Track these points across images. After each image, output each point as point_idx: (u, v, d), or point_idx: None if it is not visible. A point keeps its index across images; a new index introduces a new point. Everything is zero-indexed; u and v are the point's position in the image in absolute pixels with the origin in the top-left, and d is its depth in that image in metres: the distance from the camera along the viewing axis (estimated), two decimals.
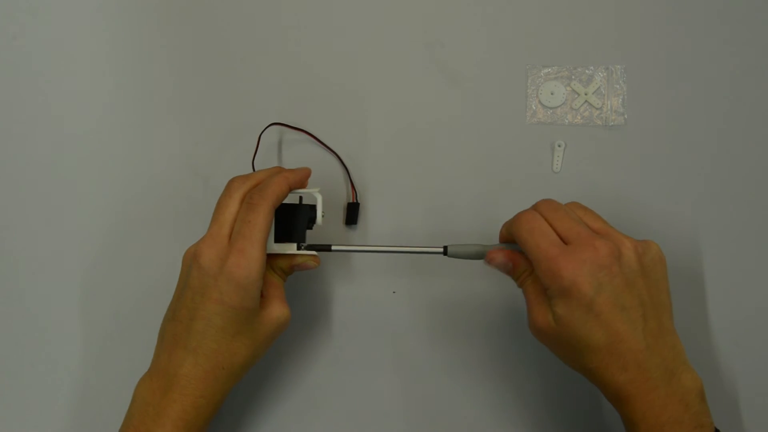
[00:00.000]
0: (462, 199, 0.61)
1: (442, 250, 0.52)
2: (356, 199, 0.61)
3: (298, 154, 0.62)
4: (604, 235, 0.47)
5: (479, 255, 0.52)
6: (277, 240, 0.53)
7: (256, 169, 0.59)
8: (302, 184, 0.53)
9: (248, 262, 0.47)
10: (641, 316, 0.46)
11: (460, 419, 0.57)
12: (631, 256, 0.47)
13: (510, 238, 0.51)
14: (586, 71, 0.62)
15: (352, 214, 0.60)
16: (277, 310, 0.50)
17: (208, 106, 0.64)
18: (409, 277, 0.60)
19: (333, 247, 0.53)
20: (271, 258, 0.52)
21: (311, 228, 0.54)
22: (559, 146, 0.61)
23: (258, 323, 0.49)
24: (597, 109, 0.61)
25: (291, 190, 0.52)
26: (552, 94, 0.61)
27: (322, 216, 0.53)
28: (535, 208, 0.50)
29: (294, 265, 0.53)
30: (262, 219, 0.48)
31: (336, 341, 0.59)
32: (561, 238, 0.47)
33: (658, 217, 0.59)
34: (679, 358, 0.47)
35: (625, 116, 0.61)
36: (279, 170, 0.53)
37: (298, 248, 0.53)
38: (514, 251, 0.51)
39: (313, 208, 0.54)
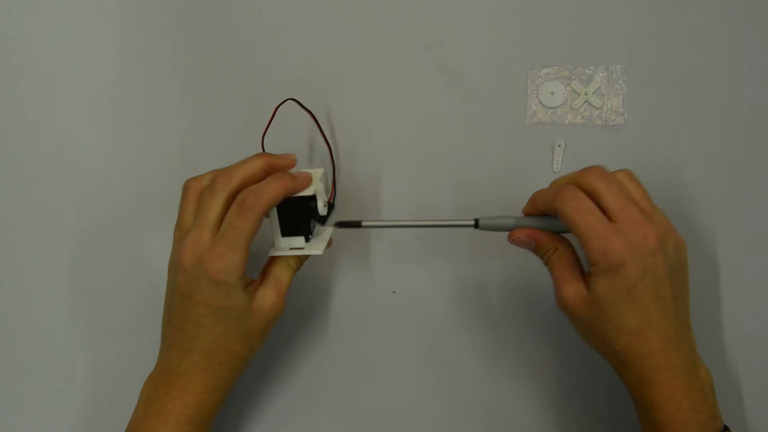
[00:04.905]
0: (461, 198, 0.60)
1: (473, 222, 0.51)
2: (333, 200, 0.60)
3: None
4: (653, 221, 0.47)
5: (511, 228, 0.51)
6: (285, 234, 0.52)
7: (265, 146, 0.58)
8: (301, 189, 0.51)
9: (227, 266, 0.47)
10: (673, 309, 0.47)
11: (460, 419, 0.57)
12: (672, 249, 0.47)
13: (543, 209, 0.50)
14: (586, 71, 0.62)
15: (328, 214, 0.59)
16: (268, 304, 0.50)
17: (209, 107, 0.64)
18: (409, 276, 0.60)
19: (363, 223, 0.52)
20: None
21: (317, 218, 0.53)
22: (559, 146, 0.61)
23: (249, 318, 0.49)
24: (597, 109, 0.61)
25: (286, 196, 0.50)
26: (552, 94, 0.61)
27: (325, 206, 0.52)
28: (585, 174, 0.48)
29: (304, 257, 0.53)
30: (249, 226, 0.48)
31: (336, 341, 0.59)
32: (608, 214, 0.47)
33: None
34: (695, 353, 0.48)
35: (625, 116, 0.61)
36: (266, 161, 0.51)
37: (306, 240, 0.52)
38: (536, 230, 0.51)
39: (314, 198, 0.52)
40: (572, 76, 0.62)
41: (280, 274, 0.51)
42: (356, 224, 0.52)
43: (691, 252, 0.58)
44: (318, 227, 0.54)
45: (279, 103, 0.58)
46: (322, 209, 0.52)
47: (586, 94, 0.61)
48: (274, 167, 0.51)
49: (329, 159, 0.60)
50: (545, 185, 0.60)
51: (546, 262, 0.51)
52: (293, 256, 0.52)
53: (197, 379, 0.49)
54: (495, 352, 0.58)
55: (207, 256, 0.48)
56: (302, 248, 0.52)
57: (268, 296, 0.50)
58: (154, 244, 0.61)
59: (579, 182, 0.49)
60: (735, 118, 0.60)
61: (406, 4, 0.64)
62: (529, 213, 0.52)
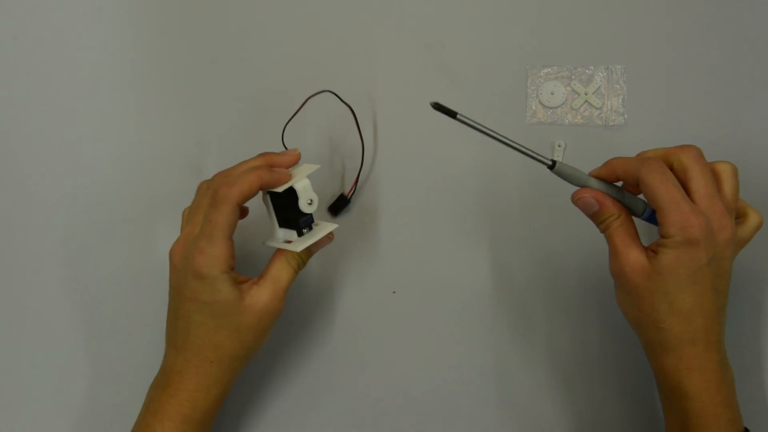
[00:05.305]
0: (461, 198, 0.60)
1: (550, 163, 0.49)
2: (350, 196, 0.60)
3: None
4: (732, 218, 0.47)
5: (581, 183, 0.50)
6: (282, 225, 0.51)
7: (284, 139, 0.58)
8: (278, 184, 0.50)
9: (208, 259, 0.48)
10: (723, 306, 0.48)
11: (462, 420, 0.57)
12: (737, 251, 0.48)
13: (621, 177, 0.49)
14: (586, 71, 0.62)
15: (338, 205, 0.60)
16: (262, 301, 0.50)
17: (210, 107, 0.64)
18: (409, 276, 0.60)
19: (458, 116, 0.48)
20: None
21: (301, 215, 0.51)
22: (559, 146, 0.61)
23: (240, 314, 0.49)
24: (597, 109, 0.61)
25: (263, 189, 0.50)
26: (552, 94, 0.61)
27: (309, 204, 0.50)
28: (681, 150, 0.48)
29: (308, 251, 0.52)
30: (223, 218, 0.48)
31: (336, 341, 0.59)
32: (693, 196, 0.46)
33: None
34: (725, 352, 0.49)
35: (625, 116, 0.61)
36: (266, 159, 0.51)
37: (299, 235, 0.51)
38: (603, 193, 0.49)
39: (294, 193, 0.51)
40: (572, 76, 0.62)
41: (278, 272, 0.51)
42: (453, 113, 0.48)
43: None
44: (322, 223, 0.53)
45: (312, 94, 0.58)
46: (305, 207, 0.50)
47: (586, 94, 0.61)
48: (275, 165, 0.51)
49: (360, 155, 0.60)
50: (545, 185, 0.60)
51: (605, 229, 0.49)
52: (293, 254, 0.51)
53: (190, 377, 0.49)
54: (495, 353, 0.58)
55: (191, 251, 0.48)
56: (290, 242, 0.51)
57: (262, 294, 0.50)
58: (157, 244, 0.61)
59: (672, 157, 0.48)
60: (735, 118, 0.60)
61: (407, 5, 0.64)
62: (599, 176, 0.50)
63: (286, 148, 0.58)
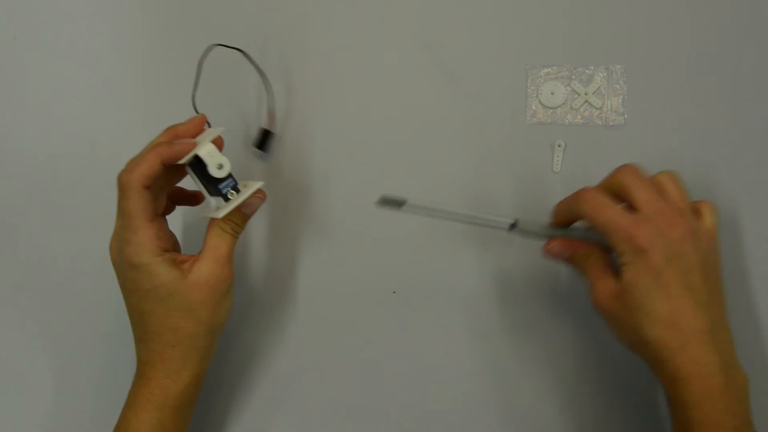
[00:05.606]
0: (461, 198, 0.60)
1: (511, 222, 0.51)
2: (273, 129, 0.59)
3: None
4: (683, 215, 0.47)
5: (546, 236, 0.52)
6: (213, 194, 0.50)
7: (197, 106, 0.56)
8: (181, 155, 0.49)
9: (135, 248, 0.48)
10: (706, 301, 0.46)
11: (461, 420, 0.57)
12: (706, 245, 0.47)
13: (569, 218, 0.51)
14: (586, 71, 0.62)
15: (264, 139, 0.59)
16: (204, 274, 0.49)
17: (210, 107, 0.64)
18: (409, 276, 0.60)
19: (406, 204, 0.51)
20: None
21: (222, 176, 0.50)
22: (559, 146, 0.61)
23: (185, 293, 0.49)
24: (597, 109, 0.61)
25: (166, 164, 0.49)
26: (552, 94, 0.61)
27: (219, 168, 0.49)
28: (616, 172, 0.49)
29: (240, 214, 0.51)
30: (133, 205, 0.48)
31: (335, 341, 0.59)
32: (636, 206, 0.47)
33: None
34: (733, 355, 0.47)
35: (625, 116, 0.61)
36: (169, 134, 0.51)
37: (226, 200, 0.50)
38: (571, 239, 0.51)
39: (200, 160, 0.49)
40: (572, 76, 0.62)
41: (214, 241, 0.50)
42: (400, 203, 0.51)
43: None
44: (250, 183, 0.51)
45: (202, 55, 0.56)
46: (215, 172, 0.49)
47: (586, 94, 0.61)
48: (179, 136, 0.51)
49: (264, 91, 0.59)
50: (545, 185, 0.60)
51: (581, 269, 0.51)
52: (225, 220, 0.50)
53: (157, 365, 0.50)
54: (496, 353, 0.58)
55: (121, 245, 0.49)
56: (219, 209, 0.50)
57: (203, 267, 0.49)
58: None
59: (610, 182, 0.49)
60: (735, 118, 0.60)
61: (406, 5, 0.64)
62: (558, 224, 0.52)
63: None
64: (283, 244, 0.61)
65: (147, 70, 0.65)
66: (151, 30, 0.65)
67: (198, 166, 0.50)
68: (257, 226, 0.61)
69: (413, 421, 0.58)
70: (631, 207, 0.48)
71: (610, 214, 0.47)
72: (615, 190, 0.49)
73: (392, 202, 0.51)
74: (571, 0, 0.63)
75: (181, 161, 0.49)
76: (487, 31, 0.63)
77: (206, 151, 0.49)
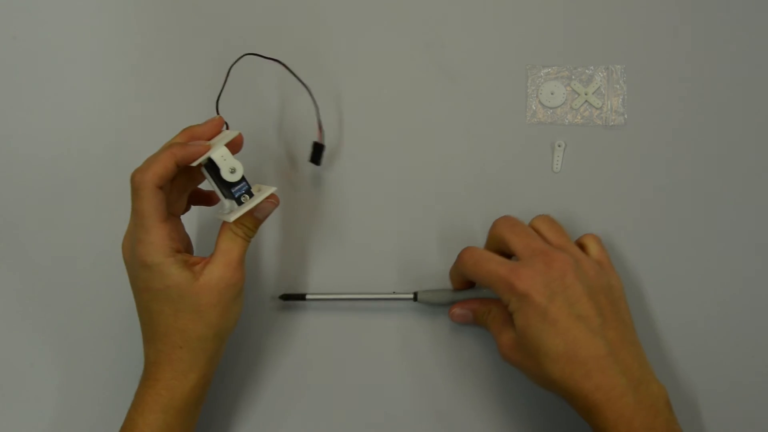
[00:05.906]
0: (461, 198, 0.61)
1: (412, 295, 0.56)
2: (323, 141, 0.59)
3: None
4: (562, 249, 0.49)
5: (448, 301, 0.56)
6: (227, 197, 0.51)
7: (220, 110, 0.55)
8: (195, 157, 0.49)
9: (147, 248, 0.48)
10: (600, 326, 0.47)
11: (462, 420, 0.58)
12: (589, 271, 0.49)
13: (462, 281, 0.55)
14: (586, 71, 0.62)
15: (317, 153, 0.59)
16: (215, 278, 0.49)
17: (211, 107, 0.64)
18: (408, 276, 0.60)
19: (308, 296, 0.57)
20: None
21: (228, 181, 0.50)
22: (559, 146, 0.61)
23: (195, 294, 0.49)
24: (597, 109, 0.61)
25: (179, 165, 0.48)
26: (552, 94, 0.61)
27: (231, 172, 0.50)
28: (492, 226, 0.52)
29: (253, 218, 0.51)
30: (146, 205, 0.48)
31: (334, 341, 0.59)
32: (516, 255, 0.49)
33: (658, 216, 0.59)
34: (644, 368, 0.47)
35: (625, 116, 0.61)
36: (186, 135, 0.51)
37: (239, 204, 0.50)
38: (469, 300, 0.55)
39: (213, 163, 0.49)
40: (572, 76, 0.62)
41: (226, 244, 0.50)
42: (301, 297, 0.58)
43: (691, 252, 0.58)
44: (264, 188, 0.51)
45: (234, 61, 0.55)
46: (227, 176, 0.50)
47: (586, 94, 0.61)
48: (196, 137, 0.51)
49: (310, 102, 0.59)
50: (545, 185, 0.60)
51: (486, 328, 0.54)
52: (237, 224, 0.50)
53: (164, 367, 0.50)
54: (495, 353, 0.58)
55: (134, 244, 0.49)
56: (231, 212, 0.50)
57: (214, 270, 0.49)
58: None
59: (490, 238, 0.53)
60: (735, 118, 0.60)
61: (406, 5, 0.64)
62: (458, 287, 0.56)
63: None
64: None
65: (147, 70, 0.65)
66: (151, 30, 0.65)
67: (212, 168, 0.50)
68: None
69: (412, 423, 0.58)
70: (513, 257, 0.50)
71: (488, 266, 0.49)
72: (496, 245, 0.51)
73: (293, 297, 0.58)
74: (571, 0, 0.62)
75: (195, 163, 0.49)
76: (487, 31, 0.63)
77: (220, 154, 0.49)
